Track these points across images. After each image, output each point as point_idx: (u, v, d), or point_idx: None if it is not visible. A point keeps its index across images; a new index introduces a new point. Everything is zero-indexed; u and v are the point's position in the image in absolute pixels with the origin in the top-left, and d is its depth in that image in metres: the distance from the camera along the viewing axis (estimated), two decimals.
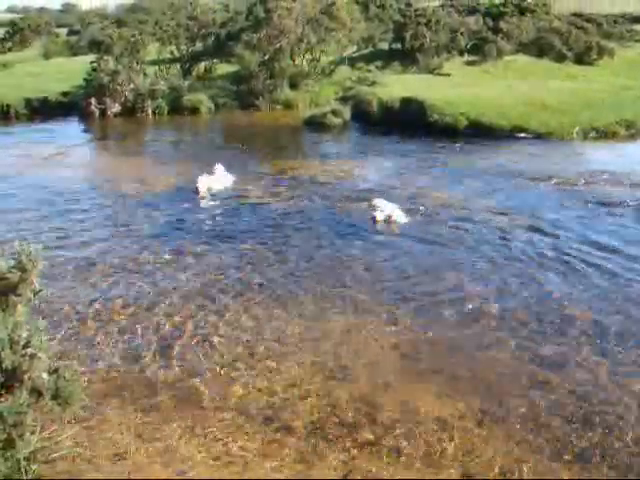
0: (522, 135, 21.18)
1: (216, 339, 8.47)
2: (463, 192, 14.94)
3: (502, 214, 13.37)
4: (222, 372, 7.75)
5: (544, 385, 7.55)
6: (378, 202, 12.99)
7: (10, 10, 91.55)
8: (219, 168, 15.82)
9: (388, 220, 12.68)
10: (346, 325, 8.88)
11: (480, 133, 21.23)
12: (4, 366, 5.12)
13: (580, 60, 33.95)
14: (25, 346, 5.25)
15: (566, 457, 6.37)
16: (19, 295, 5.24)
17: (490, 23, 35.69)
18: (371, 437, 6.62)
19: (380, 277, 10.42)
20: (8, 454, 5.33)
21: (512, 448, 6.49)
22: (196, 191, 14.71)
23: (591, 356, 8.13)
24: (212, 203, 14.40)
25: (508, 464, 6.27)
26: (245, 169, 16.89)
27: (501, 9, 37.56)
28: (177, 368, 7.84)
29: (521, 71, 31.06)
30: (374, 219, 12.69)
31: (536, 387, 7.51)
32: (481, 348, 8.35)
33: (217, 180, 15.39)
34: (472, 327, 8.86)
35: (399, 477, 6.07)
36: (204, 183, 14.91)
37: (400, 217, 12.79)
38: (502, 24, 35.06)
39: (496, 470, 6.19)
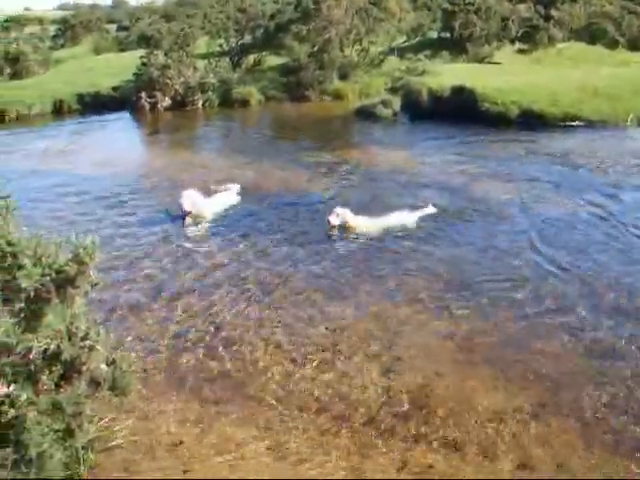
0: (575, 123, 20.86)
1: (271, 332, 8.51)
2: (515, 182, 14.79)
3: (557, 203, 13.24)
4: (277, 364, 7.78)
5: (601, 376, 7.42)
6: (339, 209, 11.86)
7: (62, 8, 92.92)
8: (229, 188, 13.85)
9: (345, 226, 11.82)
10: (399, 316, 8.85)
11: (532, 121, 20.95)
12: (63, 358, 5.20)
13: (634, 46, 33.28)
14: (83, 338, 5.32)
15: (622, 450, 6.27)
16: (77, 287, 5.30)
17: (541, 10, 35.18)
18: (426, 428, 6.59)
19: (434, 268, 10.35)
20: (67, 443, 5.42)
21: (568, 440, 6.41)
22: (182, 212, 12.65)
23: None
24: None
25: (563, 456, 6.19)
26: (294, 161, 16.93)
27: None
28: (232, 359, 7.88)
29: (573, 58, 30.58)
30: (328, 223, 11.84)
31: (592, 378, 7.39)
32: (535, 338, 8.25)
33: (216, 200, 13.26)
34: (526, 317, 8.76)
35: (454, 469, 6.04)
36: (189, 201, 12.62)
37: (362, 225, 11.84)
38: (553, 11, 34.56)
39: (551, 462, 6.12)
